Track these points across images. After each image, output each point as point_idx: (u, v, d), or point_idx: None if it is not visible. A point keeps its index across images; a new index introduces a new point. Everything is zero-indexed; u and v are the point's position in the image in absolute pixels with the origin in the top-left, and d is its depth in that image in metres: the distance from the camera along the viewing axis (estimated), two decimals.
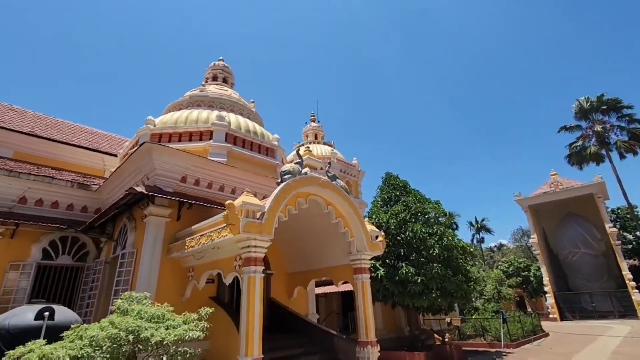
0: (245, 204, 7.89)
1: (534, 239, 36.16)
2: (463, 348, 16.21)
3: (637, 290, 28.98)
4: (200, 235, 9.03)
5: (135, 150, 10.55)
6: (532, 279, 36.46)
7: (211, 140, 12.55)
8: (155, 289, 9.58)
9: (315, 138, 36.34)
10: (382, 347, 15.48)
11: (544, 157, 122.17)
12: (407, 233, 13.89)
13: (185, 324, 6.29)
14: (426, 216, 15.08)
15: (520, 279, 35.48)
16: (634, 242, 34.73)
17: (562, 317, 32.26)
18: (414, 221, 14.57)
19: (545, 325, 27.86)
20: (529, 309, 37.74)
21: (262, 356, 7.40)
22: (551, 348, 14.95)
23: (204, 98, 14.92)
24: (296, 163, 9.91)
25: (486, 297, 26.85)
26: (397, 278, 13.55)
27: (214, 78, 17.68)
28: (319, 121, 38.15)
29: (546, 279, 34.12)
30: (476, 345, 16.38)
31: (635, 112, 30.12)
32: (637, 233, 32.24)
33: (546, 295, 34.00)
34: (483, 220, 50.83)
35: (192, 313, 6.55)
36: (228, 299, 11.28)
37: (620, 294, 30.88)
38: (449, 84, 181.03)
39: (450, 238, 13.72)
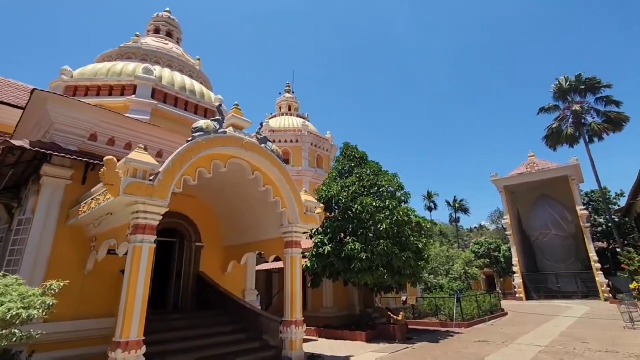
0: (131, 160, 6.62)
1: (506, 219, 36.04)
2: (414, 327, 15.74)
3: (601, 272, 29.20)
4: (92, 199, 7.75)
5: (29, 101, 9.02)
6: (501, 259, 36.55)
7: (133, 96, 11.03)
8: (47, 260, 8.40)
9: (289, 109, 34.84)
10: (329, 325, 14.86)
11: (528, 140, 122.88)
12: (356, 207, 12.87)
13: (25, 299, 5.09)
14: (380, 189, 14.05)
15: (488, 260, 35.48)
16: (603, 225, 34.91)
17: (528, 297, 32.61)
18: (365, 194, 13.54)
19: (508, 304, 27.98)
20: (498, 289, 38.14)
21: (143, 338, 6.35)
22: (502, 328, 14.52)
23: (136, 50, 13.23)
24: (214, 120, 8.57)
25: (453, 276, 26.58)
26: (343, 254, 12.64)
27: (156, 30, 15.84)
28: (293, 92, 36.42)
29: (515, 259, 34.24)
30: (429, 324, 15.89)
31: (613, 92, 29.41)
32: (608, 216, 32.30)
33: (514, 275, 34.21)
34: (461, 200, 50.63)
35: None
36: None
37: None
38: (434, 59, 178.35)
39: (401, 213, 12.76)
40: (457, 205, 50.27)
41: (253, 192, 9.80)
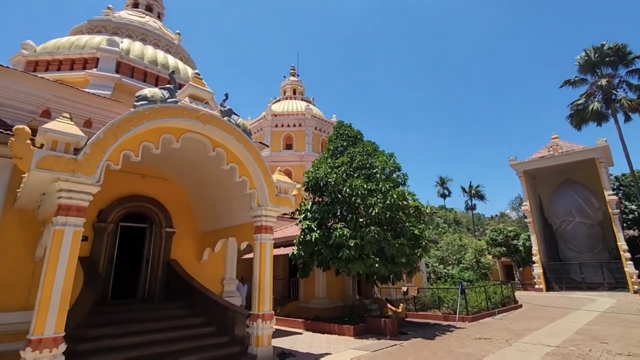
0: (48, 130, 5.69)
1: (526, 206, 33.79)
2: (414, 319, 14.58)
3: (631, 262, 26.86)
4: (24, 177, 6.94)
5: None
6: (520, 248, 34.44)
7: (95, 69, 10.13)
8: None
9: (294, 93, 33.62)
10: (320, 317, 13.87)
11: (550, 124, 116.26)
12: (346, 189, 11.67)
13: None
14: (373, 170, 12.76)
15: (504, 248, 33.42)
16: (635, 212, 32.11)
17: (549, 288, 30.63)
18: (357, 176, 12.30)
19: (526, 295, 26.28)
20: (516, 279, 36.19)
21: (63, 334, 5.50)
22: (511, 323, 13.11)
23: (106, 23, 12.33)
24: (163, 88, 7.53)
25: (464, 266, 25.04)
26: (331, 241, 11.53)
27: (135, 5, 14.92)
28: (298, 75, 35.11)
29: (535, 249, 32.13)
30: (431, 317, 14.67)
31: None
32: None
33: (534, 265, 32.16)
34: (478, 186, 48.03)
35: None
36: (106, 259, 9.35)
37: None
38: (443, 39, 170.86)
39: (395, 196, 11.45)
40: (473, 191, 47.76)
41: (220, 172, 8.78)
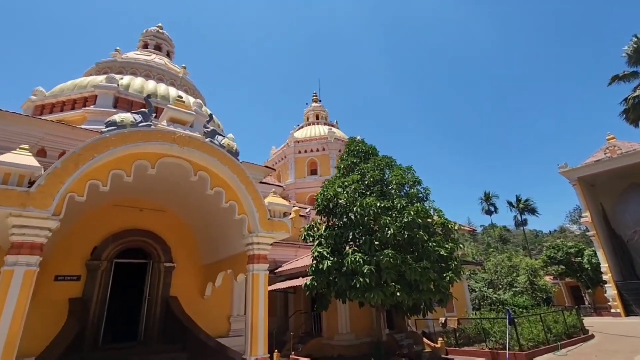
0: (1, 163, 5.33)
1: (586, 217, 29.73)
2: (456, 356, 12.48)
3: None
4: None
5: None
6: (586, 266, 30.07)
7: (92, 106, 10.21)
8: None
9: (317, 118, 33.42)
10: (343, 356, 12.31)
11: (600, 127, 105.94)
12: (356, 209, 10.49)
13: None
14: (388, 187, 11.48)
15: (563, 267, 29.25)
16: None
17: (628, 312, 25.97)
18: (368, 194, 11.11)
19: (599, 322, 22.37)
20: (586, 303, 31.45)
21: None
22: None
23: (112, 64, 12.72)
24: (136, 112, 7.13)
25: (517, 290, 21.98)
26: (344, 269, 10.27)
27: (145, 46, 15.51)
28: (320, 101, 35.05)
29: (604, 266, 27.80)
30: (475, 354, 12.47)
31: None
32: None
33: (606, 285, 27.70)
34: (527, 200, 43.55)
35: None
36: (99, 299, 8.83)
37: None
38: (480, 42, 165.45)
39: (413, 213, 10.05)
40: (521, 205, 43.33)
41: (209, 198, 8.11)
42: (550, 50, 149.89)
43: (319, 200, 11.76)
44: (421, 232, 10.11)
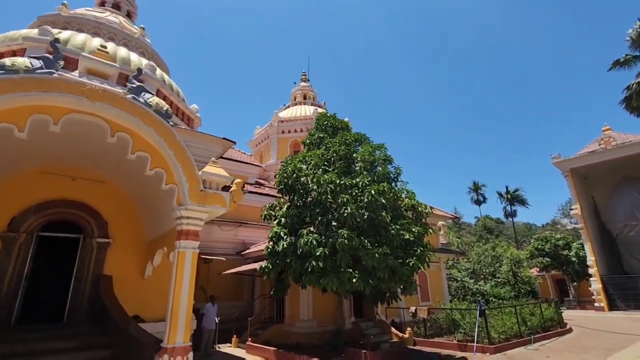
0: None
1: (575, 209, 29.01)
2: (423, 348, 11.79)
3: None
4: None
5: None
6: (573, 259, 29.50)
7: None
8: None
9: (304, 99, 32.11)
10: (301, 345, 11.54)
11: (599, 117, 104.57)
12: (312, 186, 9.52)
13: None
14: (356, 165, 10.49)
15: (548, 259, 28.64)
16: None
17: (612, 307, 25.50)
18: (330, 170, 10.11)
19: (582, 316, 21.87)
20: (571, 296, 31.07)
21: None
22: (548, 357, 9.92)
23: (56, 18, 11.49)
24: (36, 57, 6.03)
25: (499, 280, 21.32)
26: (299, 251, 9.35)
27: (102, 3, 14.15)
28: (309, 80, 33.68)
29: (591, 259, 27.21)
30: (443, 346, 11.75)
31: None
32: None
33: (591, 279, 27.19)
34: (516, 190, 42.73)
35: None
36: (15, 275, 7.89)
37: None
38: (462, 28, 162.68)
39: (374, 192, 9.08)
40: (510, 196, 42.50)
41: (139, 166, 7.09)
42: (549, 36, 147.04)
43: (279, 177, 10.76)
44: (384, 214, 9.16)
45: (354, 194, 9.36)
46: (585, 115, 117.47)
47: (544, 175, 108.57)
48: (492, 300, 19.58)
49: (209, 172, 7.31)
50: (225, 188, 7.66)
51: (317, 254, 8.74)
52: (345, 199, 9.03)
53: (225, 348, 12.66)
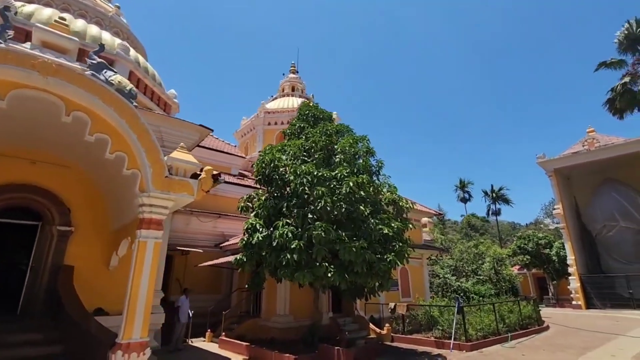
0: None
1: (558, 209, 29.41)
2: (401, 344, 11.63)
3: None
4: None
5: None
6: (554, 258, 29.95)
7: None
8: None
9: (292, 90, 31.57)
10: (275, 340, 11.22)
11: (587, 119, 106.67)
12: (288, 176, 9.17)
13: None
14: (336, 156, 10.15)
15: (529, 257, 29.01)
16: None
17: (589, 305, 26.02)
18: (310, 161, 9.76)
19: (559, 314, 22.19)
20: (550, 294, 31.58)
21: None
22: (523, 355, 9.86)
23: None
24: None
25: (481, 278, 21.41)
26: (274, 243, 8.99)
27: None
28: (298, 72, 33.13)
29: (571, 258, 27.68)
30: (421, 343, 11.62)
31: None
32: None
33: (570, 277, 27.66)
34: (500, 189, 43.20)
35: None
36: None
37: None
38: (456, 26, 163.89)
39: (352, 185, 8.77)
40: (495, 194, 42.94)
41: (100, 150, 6.60)
42: (539, 36, 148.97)
43: (256, 167, 10.36)
44: (362, 207, 8.87)
45: (332, 186, 9.03)
46: (576, 116, 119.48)
47: (532, 175, 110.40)
48: (473, 297, 19.64)
49: (176, 157, 6.85)
50: (195, 176, 7.26)
51: (292, 246, 8.41)
52: (321, 192, 8.69)
53: (199, 342, 12.28)
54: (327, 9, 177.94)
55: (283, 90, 31.73)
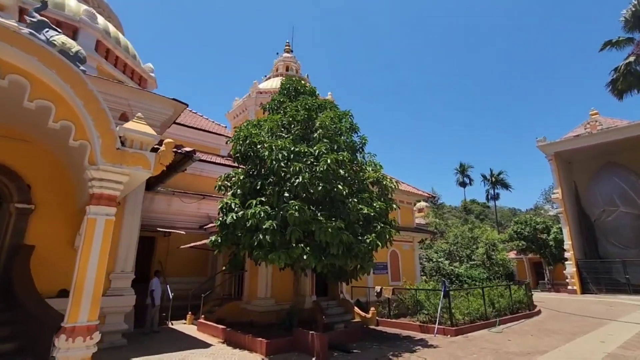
0: None
1: (556, 193, 28.82)
2: (386, 329, 11.34)
3: None
4: None
5: None
6: (551, 242, 29.58)
7: None
8: None
9: (287, 70, 30.61)
10: (254, 323, 10.88)
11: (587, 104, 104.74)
12: (263, 152, 8.61)
13: None
14: (316, 132, 9.54)
15: (524, 242, 28.62)
16: None
17: (584, 290, 25.80)
18: (285, 137, 9.17)
19: (553, 299, 21.93)
20: (546, 279, 31.38)
21: None
22: (509, 340, 9.49)
23: None
24: None
25: (475, 262, 21.06)
26: (248, 223, 8.50)
27: None
28: (292, 51, 32.08)
29: (568, 243, 27.28)
30: (406, 327, 11.29)
31: None
32: None
33: (566, 262, 27.34)
34: (500, 174, 42.48)
35: None
36: None
37: None
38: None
39: (329, 162, 8.19)
40: (494, 179, 42.23)
41: (41, 117, 6.03)
42: (542, 18, 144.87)
43: (233, 144, 9.77)
44: (340, 186, 8.33)
45: (309, 162, 8.47)
46: (578, 99, 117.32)
47: (532, 159, 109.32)
48: (466, 281, 19.34)
49: (130, 128, 6.28)
50: (155, 150, 6.72)
51: (265, 227, 7.91)
52: (297, 168, 8.14)
53: (179, 325, 12.00)
54: None
55: (277, 70, 30.78)
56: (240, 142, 9.49)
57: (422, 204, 40.92)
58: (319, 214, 8.04)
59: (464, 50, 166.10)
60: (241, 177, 9.93)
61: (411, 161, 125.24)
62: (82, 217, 8.21)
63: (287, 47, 32.33)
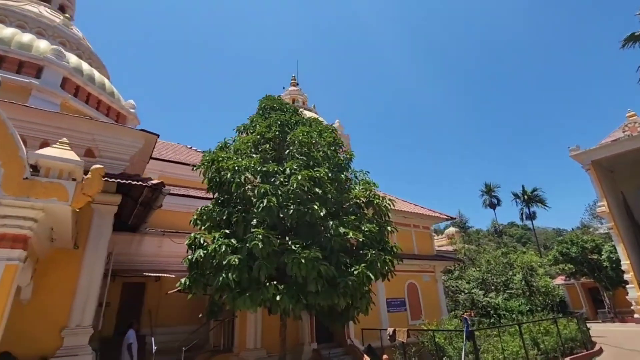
0: None
1: (602, 206, 25.46)
2: None
3: None
4: None
5: None
6: (605, 263, 25.78)
7: None
8: None
9: (293, 103, 30.33)
10: None
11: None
12: (225, 174, 7.46)
13: None
14: (286, 150, 8.34)
15: (571, 266, 24.96)
16: None
17: None
18: (254, 157, 8.02)
19: (619, 331, 18.40)
20: (606, 307, 27.13)
21: None
22: None
23: None
24: None
25: (513, 292, 18.22)
26: (214, 261, 7.20)
27: None
28: (298, 84, 32.19)
29: (626, 263, 23.51)
30: None
31: None
32: None
33: (627, 286, 23.44)
34: (535, 190, 38.66)
35: None
36: None
37: None
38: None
39: (300, 179, 6.88)
40: (527, 197, 38.39)
41: None
42: (566, 18, 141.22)
43: (203, 172, 8.72)
44: (316, 207, 6.91)
45: (278, 182, 7.20)
46: (605, 107, 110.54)
47: (568, 173, 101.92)
48: (504, 315, 16.55)
49: (45, 154, 5.36)
50: (83, 177, 5.74)
51: (227, 263, 6.57)
52: (263, 190, 6.87)
53: None
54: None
55: None
56: (208, 168, 8.43)
57: (451, 229, 37.95)
58: (290, 243, 6.62)
59: (476, 92, 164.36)
60: (210, 208, 8.78)
61: (432, 189, 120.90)
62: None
63: (293, 81, 32.53)
